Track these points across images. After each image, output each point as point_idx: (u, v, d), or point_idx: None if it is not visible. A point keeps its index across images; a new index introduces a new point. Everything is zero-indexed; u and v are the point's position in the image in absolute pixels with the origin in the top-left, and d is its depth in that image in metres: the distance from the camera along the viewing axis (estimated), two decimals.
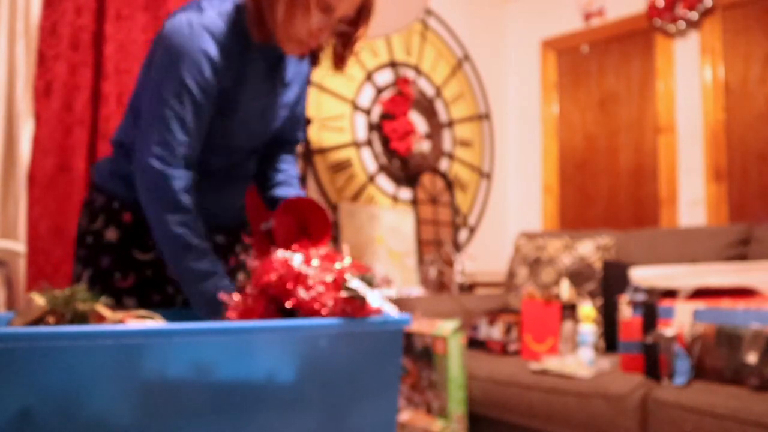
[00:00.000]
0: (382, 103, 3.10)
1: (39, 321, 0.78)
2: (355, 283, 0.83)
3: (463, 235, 3.49)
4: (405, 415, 2.10)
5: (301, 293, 0.83)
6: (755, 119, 2.93)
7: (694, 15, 3.07)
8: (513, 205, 3.82)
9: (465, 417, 2.03)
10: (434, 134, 3.37)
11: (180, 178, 1.03)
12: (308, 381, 0.77)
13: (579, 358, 2.03)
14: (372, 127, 3.08)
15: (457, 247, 3.32)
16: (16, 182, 1.86)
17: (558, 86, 3.68)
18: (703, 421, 1.61)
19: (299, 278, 0.85)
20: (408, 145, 3.15)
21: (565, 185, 3.61)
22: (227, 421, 0.71)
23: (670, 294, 1.94)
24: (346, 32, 1.13)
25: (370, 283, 0.85)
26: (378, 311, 0.84)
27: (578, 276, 2.46)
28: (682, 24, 3.11)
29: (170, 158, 1.02)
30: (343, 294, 0.84)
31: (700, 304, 1.83)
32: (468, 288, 3.20)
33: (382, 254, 2.92)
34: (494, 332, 2.41)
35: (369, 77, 3.07)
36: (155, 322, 0.85)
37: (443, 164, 3.42)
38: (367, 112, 3.07)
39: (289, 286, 0.85)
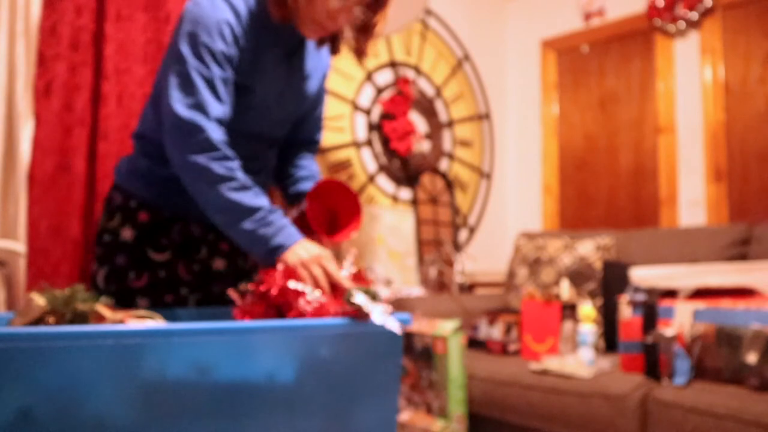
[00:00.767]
0: (382, 103, 3.10)
1: (39, 321, 0.78)
2: (359, 298, 0.84)
3: (463, 235, 3.49)
4: (405, 415, 2.10)
5: (302, 304, 0.84)
6: (755, 119, 2.93)
7: (694, 15, 3.06)
8: (513, 205, 3.82)
9: (465, 417, 2.03)
10: (434, 134, 3.37)
11: (214, 130, 1.01)
12: (308, 381, 0.77)
13: (579, 358, 2.03)
14: (372, 127, 3.08)
15: (457, 247, 3.32)
16: (16, 182, 1.86)
17: (558, 86, 3.68)
18: (703, 421, 1.61)
19: (299, 293, 0.86)
20: (408, 145, 3.15)
21: (565, 185, 3.61)
22: (227, 421, 0.71)
23: (670, 294, 1.94)
24: (364, 19, 1.13)
25: (373, 297, 0.85)
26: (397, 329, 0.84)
27: (578, 276, 2.46)
28: (682, 24, 3.11)
29: (201, 113, 1.01)
30: (347, 308, 0.84)
31: (700, 304, 1.83)
32: (468, 288, 3.20)
33: (382, 254, 2.92)
34: (494, 332, 2.41)
35: (369, 77, 3.07)
36: (155, 322, 0.85)
37: (443, 164, 3.42)
38: (367, 112, 3.07)
39: (289, 299, 0.86)
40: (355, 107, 3.01)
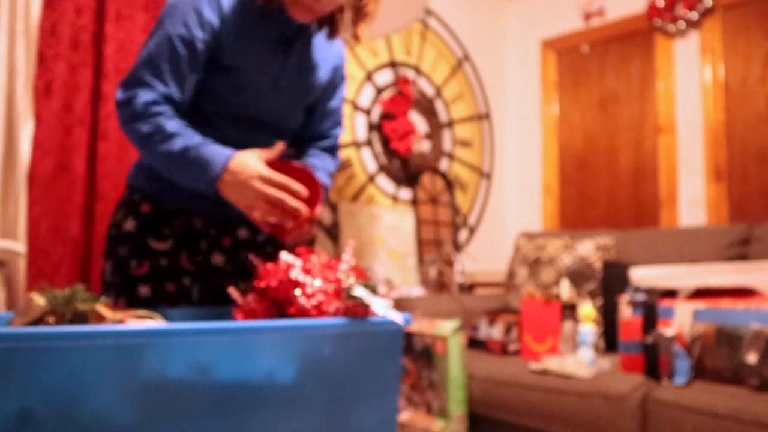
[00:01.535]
0: (382, 103, 3.10)
1: (39, 321, 0.78)
2: (358, 291, 0.84)
3: (463, 235, 3.49)
4: (405, 415, 2.10)
5: (302, 301, 0.84)
6: (755, 119, 2.93)
7: (694, 15, 3.07)
8: (513, 205, 3.82)
9: (465, 417, 2.03)
10: (434, 134, 3.37)
11: (142, 95, 1.04)
12: (308, 381, 0.77)
13: (579, 358, 2.03)
14: (372, 127, 3.08)
15: (457, 247, 3.32)
16: (16, 182, 1.86)
17: (558, 86, 3.68)
18: (703, 421, 1.61)
19: (299, 286, 0.86)
20: (408, 145, 3.15)
21: (565, 185, 3.61)
22: (227, 421, 0.71)
23: (670, 294, 1.94)
24: (353, 1, 1.14)
25: (373, 290, 0.85)
26: (399, 321, 0.84)
27: (578, 276, 2.46)
28: (682, 24, 3.11)
29: (135, 86, 1.05)
30: (347, 302, 0.84)
31: (700, 304, 1.83)
32: (468, 288, 3.20)
33: (382, 254, 2.92)
34: (494, 332, 2.41)
35: (369, 77, 3.07)
36: (155, 322, 0.85)
37: (443, 164, 3.42)
38: (367, 112, 3.07)
39: (290, 294, 0.85)
40: (355, 107, 3.01)
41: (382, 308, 0.83)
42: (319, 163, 1.27)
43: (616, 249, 2.57)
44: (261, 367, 0.74)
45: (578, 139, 3.58)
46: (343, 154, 2.94)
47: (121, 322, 0.81)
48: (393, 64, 3.19)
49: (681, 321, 1.84)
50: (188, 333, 0.70)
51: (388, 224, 3.00)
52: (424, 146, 3.29)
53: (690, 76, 3.13)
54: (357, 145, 3.00)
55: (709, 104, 3.05)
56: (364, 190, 3.01)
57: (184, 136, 1.03)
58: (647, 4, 3.21)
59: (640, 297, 1.96)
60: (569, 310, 2.20)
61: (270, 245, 1.30)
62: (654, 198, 3.23)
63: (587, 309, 2.11)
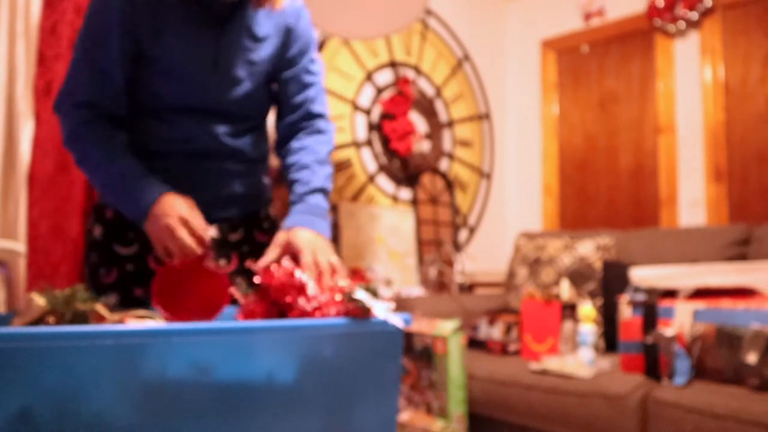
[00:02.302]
0: (382, 103, 3.10)
1: (39, 321, 0.78)
2: (360, 294, 0.84)
3: (463, 235, 3.49)
4: (405, 415, 2.10)
5: (302, 303, 0.84)
6: (755, 119, 2.93)
7: (694, 15, 3.07)
8: (513, 205, 3.82)
9: (465, 417, 2.03)
10: (434, 134, 3.37)
11: (73, 115, 1.06)
12: (308, 381, 0.77)
13: (579, 358, 2.03)
14: (372, 127, 3.08)
15: (457, 247, 3.32)
16: (16, 182, 1.86)
17: (558, 86, 3.68)
18: (703, 421, 1.61)
19: (300, 289, 0.86)
20: (408, 145, 3.15)
21: (565, 185, 3.61)
22: (227, 421, 0.71)
23: (670, 294, 1.94)
24: None
25: (374, 293, 0.85)
26: (400, 325, 0.84)
27: (578, 276, 2.46)
28: (682, 24, 3.11)
29: (68, 100, 1.06)
30: (348, 305, 0.84)
31: (700, 304, 1.83)
32: (468, 288, 3.20)
33: (382, 254, 2.92)
34: (494, 332, 2.41)
35: (369, 77, 3.07)
36: (155, 322, 0.85)
37: (443, 164, 3.42)
38: (367, 112, 3.07)
39: (289, 299, 0.85)
40: (355, 107, 3.01)
41: (383, 312, 0.83)
42: (305, 158, 1.16)
43: (616, 249, 2.57)
44: (261, 367, 0.74)
45: (578, 139, 3.58)
46: (343, 154, 2.94)
47: (121, 322, 0.81)
48: (393, 64, 3.19)
49: (681, 321, 1.84)
50: (188, 333, 0.70)
51: (388, 224, 3.00)
52: (424, 146, 3.29)
53: (690, 76, 3.13)
54: (357, 145, 3.00)
55: (709, 104, 3.05)
56: (364, 190, 3.01)
57: (116, 161, 1.04)
58: (647, 4, 3.21)
59: (640, 297, 1.96)
60: (569, 310, 2.20)
61: (246, 244, 1.24)
62: (654, 198, 3.23)
63: (587, 309, 2.11)
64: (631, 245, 2.57)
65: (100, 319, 0.81)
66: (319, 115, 1.23)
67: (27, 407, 0.60)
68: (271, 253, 1.00)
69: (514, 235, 3.31)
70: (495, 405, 2.06)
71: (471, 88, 3.64)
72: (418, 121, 3.27)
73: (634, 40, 3.35)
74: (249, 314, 0.90)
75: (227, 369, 0.71)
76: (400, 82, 3.18)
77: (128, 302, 1.12)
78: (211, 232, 1.00)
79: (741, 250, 2.34)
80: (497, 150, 3.80)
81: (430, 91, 3.38)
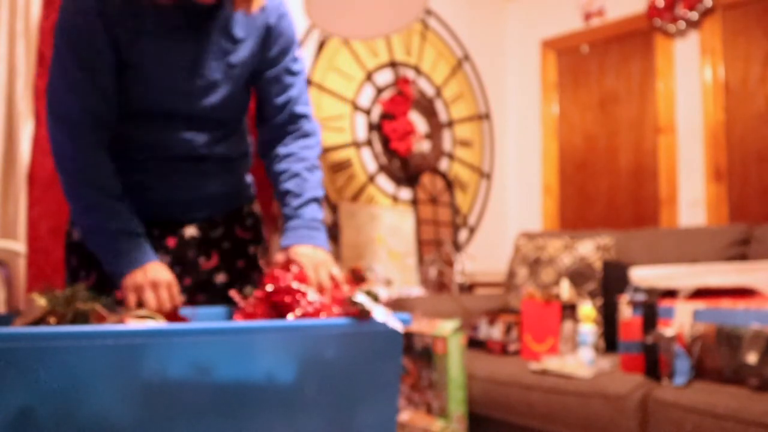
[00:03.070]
0: (382, 103, 3.10)
1: (40, 321, 0.78)
2: (360, 298, 0.84)
3: (463, 235, 3.49)
4: (405, 415, 2.10)
5: (303, 304, 0.84)
6: (755, 119, 2.93)
7: (694, 15, 3.06)
8: (513, 205, 3.82)
9: (465, 417, 2.03)
10: (434, 134, 3.37)
11: (63, 126, 1.04)
12: (308, 381, 0.77)
13: (579, 358, 2.03)
14: (372, 127, 3.08)
15: (457, 247, 3.32)
16: (16, 182, 1.86)
17: (558, 86, 3.68)
18: (703, 421, 1.61)
19: (301, 294, 0.86)
20: (408, 145, 3.15)
21: (565, 185, 3.61)
22: (227, 421, 0.71)
23: (670, 294, 1.94)
24: None
25: (375, 298, 0.86)
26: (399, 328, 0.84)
27: (578, 276, 2.46)
28: (682, 24, 3.11)
29: (60, 117, 1.04)
30: (350, 308, 0.85)
31: (700, 304, 1.83)
32: (468, 288, 3.20)
33: (382, 254, 2.92)
34: (494, 332, 2.41)
35: (369, 77, 3.07)
36: (155, 322, 0.85)
37: (443, 164, 3.42)
38: (367, 112, 3.07)
39: (288, 299, 0.86)
40: (355, 107, 3.01)
41: (383, 315, 0.83)
42: (293, 166, 1.14)
43: (616, 249, 2.57)
44: (261, 367, 0.74)
45: (578, 139, 3.58)
46: (343, 154, 2.94)
47: (121, 322, 0.82)
48: (393, 64, 3.19)
49: (681, 321, 1.84)
50: (188, 333, 0.70)
51: (388, 224, 3.00)
52: (424, 146, 3.29)
53: (690, 76, 3.13)
54: (357, 145, 3.00)
55: (709, 104, 3.05)
56: (364, 190, 3.01)
57: (109, 214, 1.03)
58: (647, 4, 3.21)
59: (640, 297, 1.96)
60: (569, 310, 2.20)
61: (226, 241, 1.23)
62: (654, 198, 3.23)
63: (587, 309, 2.11)
64: (631, 245, 2.57)
65: (101, 319, 0.81)
66: (303, 116, 1.21)
67: (27, 407, 0.60)
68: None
69: (514, 235, 3.31)
70: (495, 405, 2.06)
71: (471, 88, 3.64)
72: (418, 121, 3.27)
73: (634, 40, 3.35)
74: (248, 316, 0.90)
75: (227, 369, 0.71)
76: (400, 82, 3.18)
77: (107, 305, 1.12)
78: (179, 301, 1.02)
79: (741, 250, 2.34)
80: (497, 150, 3.80)
81: (430, 91, 3.38)
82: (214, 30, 1.10)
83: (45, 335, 0.62)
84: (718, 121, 3.02)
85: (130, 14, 1.04)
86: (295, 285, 0.87)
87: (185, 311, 1.03)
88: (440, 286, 3.11)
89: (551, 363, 2.01)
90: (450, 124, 3.48)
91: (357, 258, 2.77)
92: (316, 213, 1.12)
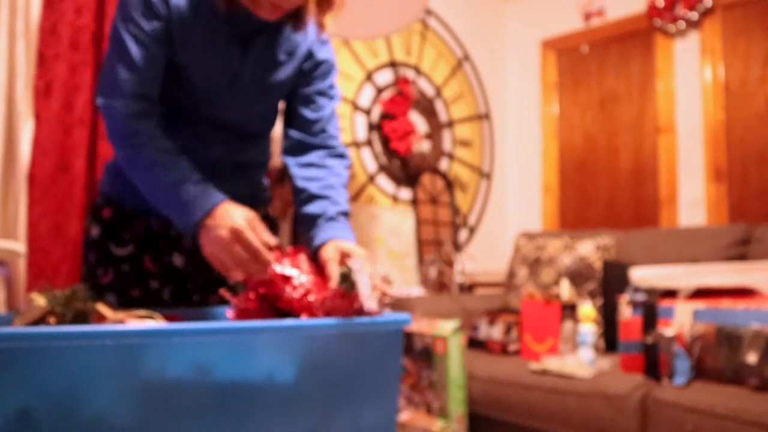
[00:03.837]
0: (382, 103, 3.10)
1: (40, 321, 0.78)
2: (345, 270, 0.85)
3: (463, 235, 3.49)
4: (405, 415, 2.10)
5: (288, 291, 0.84)
6: (755, 119, 2.93)
7: (694, 15, 3.07)
8: (513, 205, 3.82)
9: (465, 417, 2.03)
10: (434, 134, 3.37)
11: (121, 106, 1.00)
12: (308, 381, 0.77)
13: (579, 358, 2.03)
14: (372, 127, 3.08)
15: (457, 247, 3.32)
16: (16, 182, 1.86)
17: (558, 86, 3.68)
18: (703, 421, 1.61)
19: (287, 279, 0.86)
20: (408, 145, 3.15)
21: (565, 185, 3.61)
22: (227, 421, 0.71)
23: (670, 294, 1.94)
24: None
25: (352, 274, 0.86)
26: (373, 310, 0.84)
27: (578, 276, 2.46)
28: (682, 24, 3.11)
29: (112, 92, 1.01)
30: (333, 285, 0.85)
31: (700, 304, 1.83)
32: (468, 288, 3.20)
33: (382, 254, 2.92)
34: (494, 332, 2.41)
35: (369, 77, 3.07)
36: (155, 322, 0.85)
37: (443, 164, 3.42)
38: (367, 112, 3.07)
39: (276, 289, 0.86)
40: (355, 107, 3.01)
41: (367, 287, 0.83)
42: (313, 186, 1.11)
43: (616, 249, 2.57)
44: (261, 367, 0.74)
45: (578, 139, 3.58)
46: None
47: (121, 322, 0.81)
48: (393, 64, 3.19)
49: (681, 321, 1.84)
50: (188, 333, 0.70)
51: (388, 224, 3.00)
52: (424, 146, 3.29)
53: (690, 76, 3.13)
54: (357, 145, 3.00)
55: (709, 104, 3.05)
56: (364, 190, 3.01)
57: (167, 167, 0.98)
58: (647, 4, 3.21)
59: (640, 297, 1.96)
60: (569, 310, 2.20)
61: None
62: (654, 198, 3.23)
63: (587, 309, 2.11)
64: (631, 245, 2.57)
65: (101, 318, 0.81)
66: (336, 137, 1.20)
67: (27, 407, 0.60)
68: (334, 268, 0.93)
69: (514, 235, 3.31)
70: (495, 405, 2.06)
71: (471, 88, 3.64)
72: (418, 121, 3.27)
73: (634, 40, 3.35)
74: (240, 312, 0.90)
75: (227, 369, 0.71)
76: (400, 82, 3.18)
77: (125, 303, 1.12)
78: (273, 242, 0.91)
79: (741, 250, 2.34)
80: (497, 150, 3.80)
81: (430, 91, 3.38)
82: (259, 47, 1.11)
83: (45, 335, 0.62)
84: (718, 121, 3.02)
85: (189, 14, 1.04)
86: (278, 269, 0.87)
87: (185, 312, 1.03)
88: (440, 286, 3.11)
89: (551, 363, 2.01)
90: (450, 124, 3.48)
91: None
92: (349, 224, 1.11)
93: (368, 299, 0.82)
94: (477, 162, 3.64)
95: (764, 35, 2.92)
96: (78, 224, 1.99)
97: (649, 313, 1.92)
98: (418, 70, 3.32)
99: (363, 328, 0.82)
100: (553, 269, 2.57)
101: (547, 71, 3.72)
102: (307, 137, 1.18)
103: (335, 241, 0.98)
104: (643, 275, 2.04)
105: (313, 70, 1.18)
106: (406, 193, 3.20)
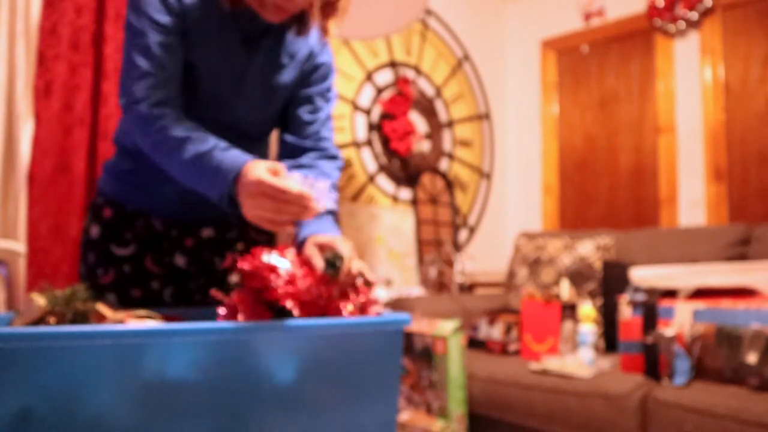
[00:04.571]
0: (382, 103, 3.10)
1: (40, 321, 0.78)
2: (328, 256, 0.86)
3: (463, 235, 3.49)
4: (405, 415, 2.10)
5: (274, 279, 0.84)
6: (755, 119, 2.93)
7: (694, 15, 3.07)
8: (513, 205, 3.82)
9: (465, 417, 2.03)
10: (434, 134, 3.37)
11: (143, 100, 0.99)
12: (308, 381, 0.77)
13: (579, 358, 2.03)
14: (372, 127, 3.08)
15: (457, 247, 3.32)
16: (16, 182, 1.86)
17: (558, 86, 3.68)
18: (703, 421, 1.61)
19: (272, 269, 0.86)
20: (408, 145, 3.15)
21: (565, 185, 3.61)
22: (227, 421, 0.71)
23: (670, 294, 1.94)
24: None
25: (340, 257, 0.87)
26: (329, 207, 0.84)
27: (578, 276, 2.46)
28: (682, 24, 3.11)
29: (133, 83, 1.00)
30: (317, 266, 0.86)
31: (700, 304, 1.83)
32: (468, 288, 3.20)
33: (382, 254, 2.92)
34: (494, 332, 2.41)
35: (369, 77, 3.07)
36: (155, 322, 0.85)
37: (443, 164, 3.42)
38: (367, 112, 3.07)
39: (262, 281, 0.86)
40: (355, 107, 3.01)
41: (355, 266, 0.85)
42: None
43: (616, 249, 2.57)
44: (261, 367, 0.74)
45: (578, 139, 3.58)
46: (343, 154, 2.94)
47: (121, 322, 0.81)
48: (393, 64, 3.19)
49: (681, 321, 1.84)
50: (188, 333, 0.70)
51: (388, 224, 3.00)
52: (424, 146, 3.29)
53: (690, 76, 3.13)
54: (357, 145, 3.00)
55: (709, 104, 3.05)
56: (364, 190, 3.01)
57: (194, 141, 0.97)
58: (647, 4, 3.21)
59: (640, 297, 1.96)
60: (569, 310, 2.20)
61: (240, 242, 1.24)
62: (654, 198, 3.23)
63: (587, 309, 2.11)
64: (631, 245, 2.57)
65: (101, 318, 0.81)
66: (329, 139, 1.21)
67: (27, 407, 0.60)
68: (317, 255, 0.93)
69: (514, 235, 3.31)
70: (495, 405, 2.06)
71: (471, 88, 3.64)
72: (418, 121, 3.27)
73: (634, 40, 3.35)
74: (231, 309, 0.90)
75: (227, 369, 0.71)
76: (400, 82, 3.18)
77: (125, 303, 1.12)
78: (316, 185, 0.89)
79: (741, 250, 2.34)
80: (497, 150, 3.80)
81: (430, 91, 3.38)
82: (265, 49, 1.12)
83: (45, 335, 0.62)
84: (718, 121, 3.02)
85: (201, 13, 1.05)
86: (265, 259, 0.87)
87: (185, 311, 1.03)
88: (440, 286, 3.11)
89: (551, 363, 2.01)
90: (450, 124, 3.48)
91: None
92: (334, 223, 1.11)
93: (322, 199, 0.83)
94: (477, 162, 3.64)
95: (764, 35, 2.92)
96: (78, 224, 1.99)
97: (649, 313, 1.92)
98: (418, 70, 3.32)
99: (363, 328, 0.82)
100: (553, 269, 2.57)
101: (547, 71, 3.72)
102: (301, 140, 1.19)
103: (317, 235, 0.98)
104: (643, 275, 2.04)
105: (312, 72, 1.19)
106: (406, 193, 3.20)
